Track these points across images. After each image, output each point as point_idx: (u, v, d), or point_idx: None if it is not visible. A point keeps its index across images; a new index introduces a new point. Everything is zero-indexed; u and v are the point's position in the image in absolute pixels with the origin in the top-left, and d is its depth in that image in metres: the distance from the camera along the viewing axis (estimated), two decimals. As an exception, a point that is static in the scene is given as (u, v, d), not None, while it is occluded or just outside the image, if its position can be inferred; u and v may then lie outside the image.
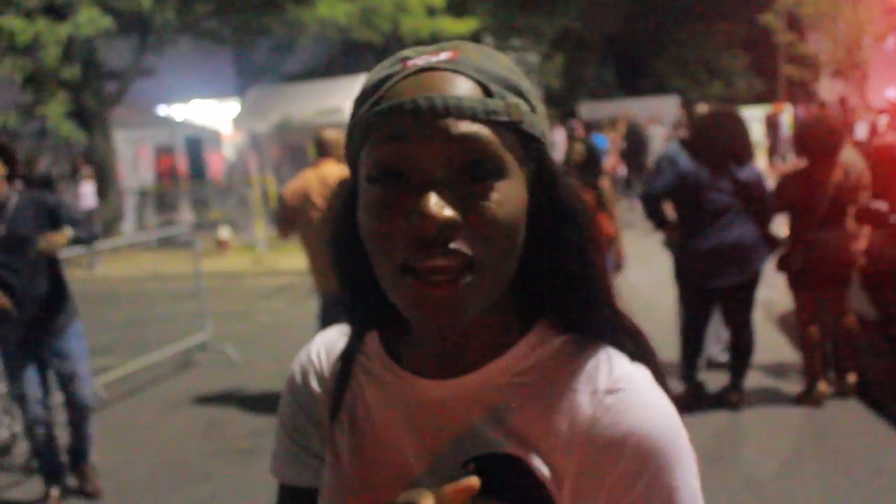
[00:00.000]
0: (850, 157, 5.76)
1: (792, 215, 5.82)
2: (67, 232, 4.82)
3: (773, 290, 7.49)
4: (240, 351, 8.27)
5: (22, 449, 5.73)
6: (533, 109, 0.98)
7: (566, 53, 33.76)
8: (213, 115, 26.38)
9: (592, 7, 37.72)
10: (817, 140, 5.61)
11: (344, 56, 24.10)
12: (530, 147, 0.98)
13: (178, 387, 7.48)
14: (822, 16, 27.57)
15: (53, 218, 4.86)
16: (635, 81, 48.22)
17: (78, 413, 5.08)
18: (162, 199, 21.13)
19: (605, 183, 7.21)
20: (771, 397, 6.11)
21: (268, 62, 24.40)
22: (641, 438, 0.93)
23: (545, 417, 0.98)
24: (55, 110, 14.79)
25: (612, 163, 19.73)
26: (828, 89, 31.95)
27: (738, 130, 5.73)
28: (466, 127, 0.91)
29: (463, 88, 0.93)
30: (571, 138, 8.26)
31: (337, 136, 5.89)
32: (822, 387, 5.88)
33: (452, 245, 0.90)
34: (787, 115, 26.39)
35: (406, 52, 1.00)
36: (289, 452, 1.19)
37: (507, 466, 0.97)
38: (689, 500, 0.94)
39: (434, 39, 20.12)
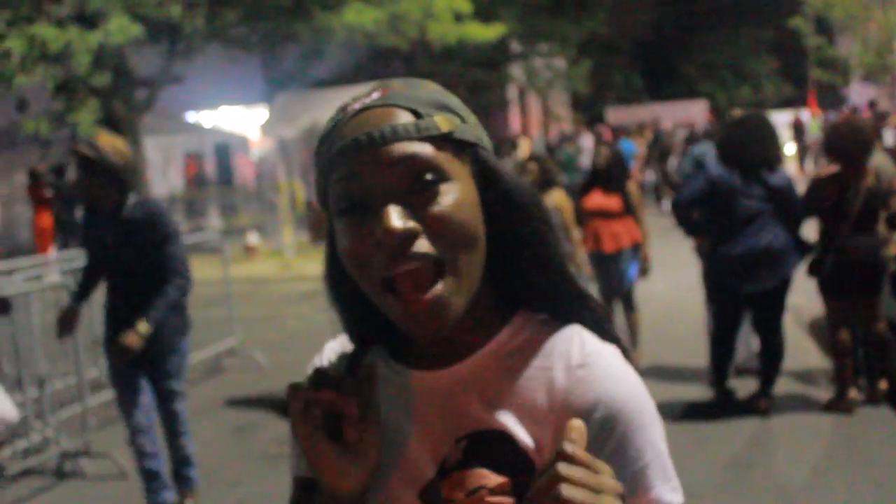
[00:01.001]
0: (881, 161, 5.73)
1: (823, 220, 5.78)
2: (144, 328, 4.42)
3: (803, 296, 7.43)
4: (268, 356, 8.31)
5: (53, 453, 5.78)
6: (463, 120, 1.12)
7: (593, 58, 33.62)
8: (242, 121, 26.53)
9: (620, 12, 37.63)
10: (849, 144, 5.58)
11: (371, 62, 24.15)
12: (467, 151, 1.11)
13: (207, 392, 7.52)
14: (852, 19, 27.33)
15: (156, 247, 4.52)
16: (663, 86, 48.04)
17: (175, 430, 4.89)
18: (191, 205, 21.29)
19: (632, 188, 7.20)
20: (800, 404, 6.06)
21: (296, 69, 24.49)
22: (609, 405, 1.07)
23: (527, 394, 1.12)
24: (86, 117, 14.91)
25: (638, 168, 19.67)
26: (858, 94, 31.68)
27: (769, 135, 5.70)
28: (405, 148, 1.04)
29: (396, 118, 1.06)
30: (598, 143, 8.26)
31: None
32: (853, 394, 5.83)
33: (416, 250, 1.02)
34: (813, 119, 26.20)
35: (346, 101, 1.14)
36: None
37: (496, 440, 1.10)
38: (655, 458, 1.09)
39: (461, 45, 20.17)
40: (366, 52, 21.60)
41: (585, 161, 19.17)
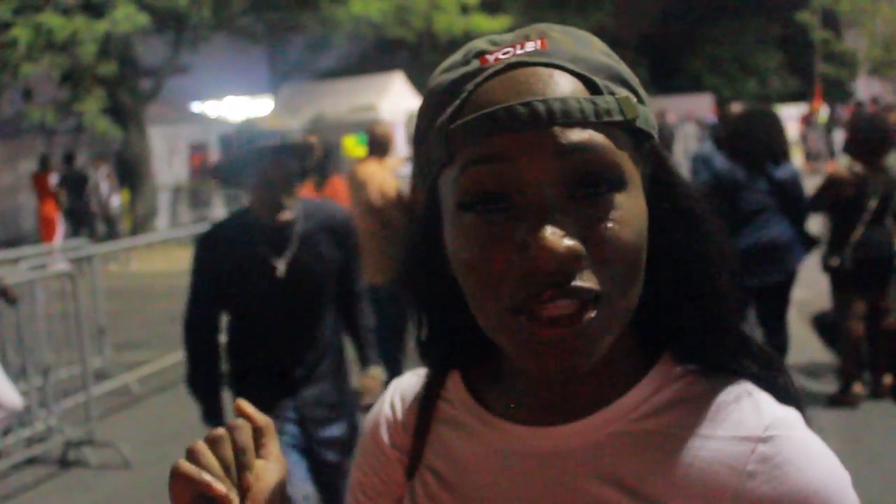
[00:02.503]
0: (891, 158, 5.75)
1: (837, 216, 5.78)
2: (377, 373, 3.49)
3: (808, 290, 7.41)
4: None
5: (56, 442, 5.78)
6: (641, 100, 0.82)
7: (599, 51, 33.59)
8: (247, 111, 26.54)
9: (626, 4, 37.56)
10: (870, 140, 5.59)
11: (377, 53, 24.18)
12: (644, 147, 0.83)
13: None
14: (859, 13, 27.26)
15: (343, 249, 3.31)
16: (669, 79, 47.93)
17: None
18: (195, 195, 21.28)
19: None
20: (804, 398, 6.05)
21: (301, 59, 24.51)
22: (810, 498, 0.77)
23: (675, 472, 0.81)
24: (92, 107, 14.95)
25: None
26: (864, 88, 31.63)
27: (775, 129, 5.69)
28: (577, 135, 0.75)
29: (564, 86, 0.77)
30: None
31: (385, 132, 5.96)
32: (858, 388, 5.83)
33: (577, 283, 0.74)
34: (821, 114, 26.15)
35: (479, 45, 0.84)
36: None
37: None
38: None
39: (467, 37, 20.13)
40: (371, 44, 21.61)
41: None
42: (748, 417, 0.82)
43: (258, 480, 0.90)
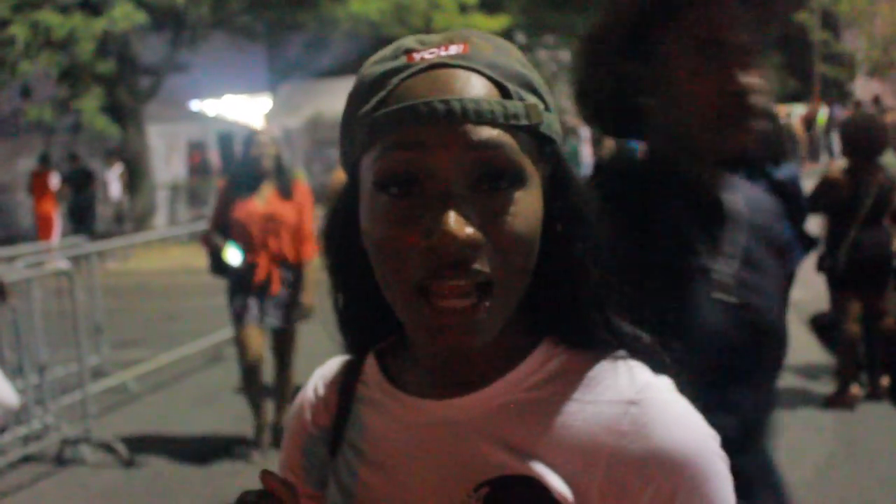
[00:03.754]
0: (887, 158, 5.73)
1: (832, 216, 5.78)
2: None
3: (805, 291, 7.40)
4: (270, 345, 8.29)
5: (53, 440, 5.77)
6: (548, 107, 0.92)
7: (598, 51, 33.53)
8: (245, 110, 26.52)
9: (625, 4, 37.55)
10: (866, 140, 5.59)
11: (375, 52, 24.13)
12: (545, 149, 0.92)
13: (208, 380, 7.53)
14: (858, 14, 27.28)
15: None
16: (668, 79, 47.96)
17: None
18: (193, 193, 21.29)
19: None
20: (801, 399, 6.05)
21: (300, 58, 24.50)
22: (675, 454, 0.87)
23: (561, 433, 0.91)
24: (90, 105, 14.94)
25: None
26: (863, 88, 31.63)
27: (773, 129, 5.68)
28: (486, 133, 0.84)
29: (479, 89, 0.86)
30: (602, 136, 8.28)
31: None
32: (855, 389, 5.82)
33: (473, 266, 0.83)
34: (820, 115, 26.19)
35: (408, 43, 0.92)
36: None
37: (523, 488, 0.90)
38: None
39: (466, 36, 20.12)
40: (369, 43, 21.59)
41: (585, 150, 19.20)
42: (622, 384, 0.92)
43: None
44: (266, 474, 0.95)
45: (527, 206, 0.87)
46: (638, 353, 0.96)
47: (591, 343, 0.96)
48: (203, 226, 11.82)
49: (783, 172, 5.61)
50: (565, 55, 32.52)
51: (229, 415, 6.53)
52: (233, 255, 5.36)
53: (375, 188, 0.87)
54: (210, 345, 8.14)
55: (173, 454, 5.80)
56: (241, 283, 5.44)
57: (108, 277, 5.75)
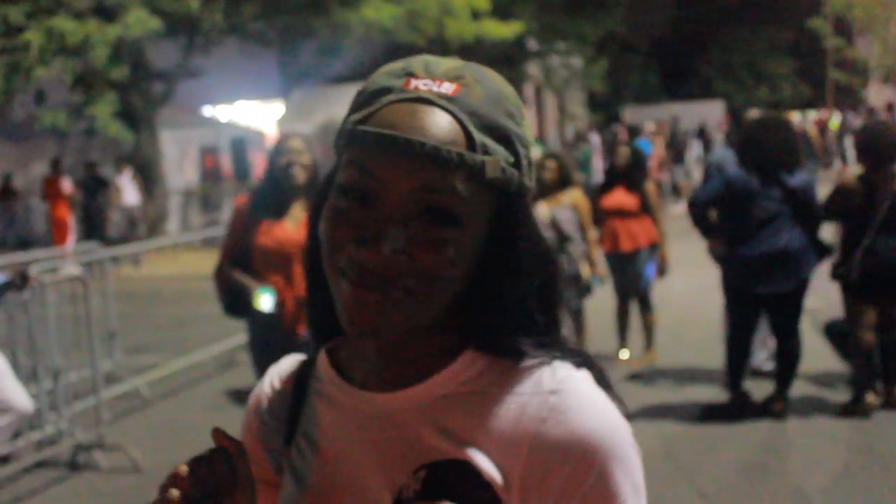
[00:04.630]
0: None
1: (847, 223, 5.76)
2: None
3: (820, 298, 7.38)
4: (282, 351, 8.31)
5: (66, 445, 5.78)
6: (517, 162, 1.01)
7: (610, 57, 33.56)
8: (258, 116, 26.57)
9: (637, 11, 37.53)
10: (881, 147, 5.58)
11: (387, 59, 23.88)
12: (500, 200, 1.01)
13: (220, 386, 7.53)
14: (872, 20, 27.19)
15: None
16: (680, 86, 47.85)
17: None
18: (206, 199, 21.33)
19: (650, 187, 7.19)
20: (816, 407, 6.02)
21: (312, 64, 24.52)
22: (586, 438, 0.98)
23: (491, 422, 1.02)
24: (104, 110, 14.99)
25: (655, 168, 19.65)
26: (876, 95, 31.54)
27: (787, 137, 5.67)
28: (436, 175, 0.94)
29: (447, 133, 0.96)
30: (616, 143, 8.26)
31: None
32: (870, 398, 5.79)
33: (393, 283, 0.96)
34: (832, 121, 26.12)
35: (414, 66, 1.03)
36: None
37: (457, 471, 1.01)
38: (633, 493, 1.00)
39: (478, 43, 20.14)
40: (381, 49, 21.61)
41: (597, 158, 19.20)
42: (545, 377, 1.03)
43: None
44: (217, 431, 1.05)
45: (455, 245, 0.97)
46: (561, 354, 1.06)
47: (512, 354, 1.05)
48: (216, 231, 11.82)
49: (797, 180, 5.61)
50: (576, 61, 32.55)
51: (241, 420, 6.54)
52: (265, 301, 4.31)
53: (337, 190, 1.00)
54: (223, 350, 8.16)
55: (185, 460, 5.79)
56: (268, 331, 4.41)
57: (120, 283, 5.78)
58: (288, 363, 1.25)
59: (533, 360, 1.04)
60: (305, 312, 1.30)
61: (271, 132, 23.69)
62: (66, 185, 16.19)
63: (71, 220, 15.95)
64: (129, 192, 16.97)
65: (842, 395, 6.10)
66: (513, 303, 1.04)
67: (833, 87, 34.45)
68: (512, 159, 1.01)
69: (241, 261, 4.47)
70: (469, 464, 1.01)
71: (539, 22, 26.14)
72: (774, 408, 5.85)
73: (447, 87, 0.99)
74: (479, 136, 0.97)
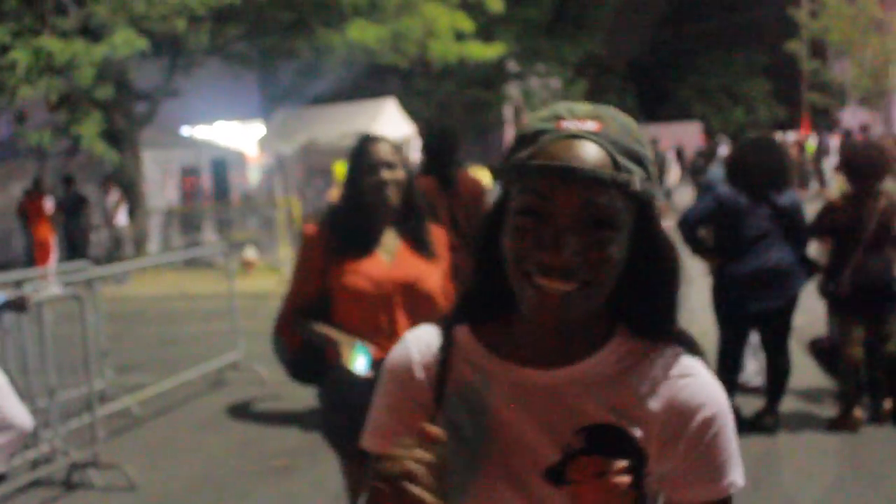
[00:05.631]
0: (888, 184, 5.82)
1: (835, 241, 5.85)
2: None
3: (804, 316, 7.46)
4: (271, 370, 8.29)
5: (61, 464, 5.77)
6: (649, 176, 1.28)
7: (589, 79, 33.83)
8: (238, 136, 26.55)
9: (616, 33, 37.82)
10: (868, 165, 5.67)
11: (368, 79, 24.19)
12: (639, 205, 1.29)
13: (211, 405, 7.53)
14: (848, 44, 27.53)
15: None
16: (658, 107, 48.22)
17: None
18: (187, 219, 21.28)
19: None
20: (805, 422, 6.10)
21: (293, 85, 24.55)
22: (708, 408, 1.33)
23: (636, 395, 1.32)
24: (89, 130, 14.95)
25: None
26: (851, 117, 31.89)
27: (777, 157, 5.77)
28: (599, 194, 1.22)
29: (598, 159, 1.23)
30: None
31: None
32: (858, 412, 5.88)
33: (571, 279, 1.23)
34: (809, 143, 26.40)
35: (560, 110, 1.31)
36: (387, 428, 1.43)
37: (611, 433, 1.29)
38: (734, 451, 1.35)
39: (461, 64, 20.23)
40: (363, 70, 21.68)
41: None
42: (677, 364, 1.35)
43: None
44: (425, 427, 1.19)
45: (618, 246, 1.25)
46: (683, 344, 1.38)
47: (657, 336, 1.37)
48: (201, 251, 11.82)
49: (786, 198, 5.70)
50: (556, 83, 32.78)
51: (234, 439, 6.55)
52: (360, 363, 3.23)
53: (516, 212, 1.27)
54: (212, 370, 8.16)
55: (180, 478, 5.81)
56: (354, 398, 3.03)
57: (105, 302, 5.82)
58: (424, 333, 1.47)
59: (667, 348, 1.36)
60: (458, 297, 1.48)
61: (252, 152, 23.71)
62: (48, 204, 16.11)
63: (53, 240, 15.87)
64: (119, 212, 16.96)
65: (829, 411, 6.18)
66: (657, 289, 1.35)
67: (809, 110, 34.82)
68: (645, 175, 1.28)
69: (310, 309, 3.49)
70: (621, 428, 1.29)
71: (520, 44, 26.33)
72: (766, 422, 5.93)
73: (591, 125, 1.27)
74: (622, 160, 1.25)
